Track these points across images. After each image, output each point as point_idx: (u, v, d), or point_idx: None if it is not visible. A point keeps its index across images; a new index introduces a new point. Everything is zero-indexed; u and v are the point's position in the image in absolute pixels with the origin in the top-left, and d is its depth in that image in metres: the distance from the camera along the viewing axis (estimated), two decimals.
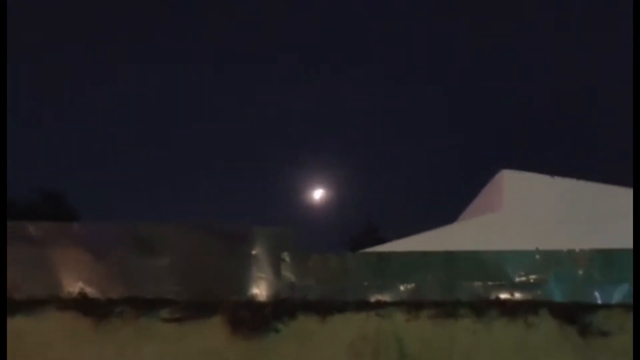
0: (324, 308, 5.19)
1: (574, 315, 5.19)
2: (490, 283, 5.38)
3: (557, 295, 5.35)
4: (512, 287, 5.38)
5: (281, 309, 5.19)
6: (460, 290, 5.34)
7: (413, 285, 5.37)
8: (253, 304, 5.24)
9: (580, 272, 5.41)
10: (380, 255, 6.18)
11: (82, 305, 5.12)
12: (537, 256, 5.46)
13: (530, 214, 9.50)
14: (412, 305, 5.23)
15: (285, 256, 5.40)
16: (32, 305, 5.06)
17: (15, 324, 4.99)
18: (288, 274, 5.36)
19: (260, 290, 5.32)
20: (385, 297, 5.32)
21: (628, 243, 5.61)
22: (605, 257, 5.44)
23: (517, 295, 5.36)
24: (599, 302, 5.33)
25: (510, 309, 5.23)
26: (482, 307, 5.24)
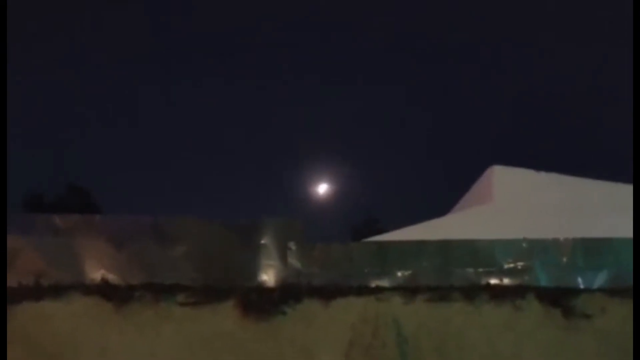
0: (328, 293, 5.17)
1: (558, 298, 5.18)
2: (481, 269, 5.36)
3: (543, 280, 5.33)
4: (501, 273, 5.36)
5: (288, 293, 5.17)
6: (453, 276, 5.33)
7: (410, 271, 5.36)
8: (262, 289, 5.23)
9: (564, 259, 5.39)
10: (380, 244, 6.18)
11: (104, 290, 5.10)
12: (524, 245, 5.45)
13: (518, 205, 9.53)
14: (409, 290, 5.21)
15: (292, 245, 5.39)
16: (58, 290, 5.05)
17: (42, 307, 4.99)
18: (294, 262, 5.35)
19: (268, 277, 5.31)
20: (384, 283, 5.30)
21: (609, 233, 5.61)
22: (587, 246, 5.43)
23: (506, 281, 5.34)
24: (581, 286, 5.31)
25: (499, 293, 5.21)
26: (474, 292, 5.22)
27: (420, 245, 5.51)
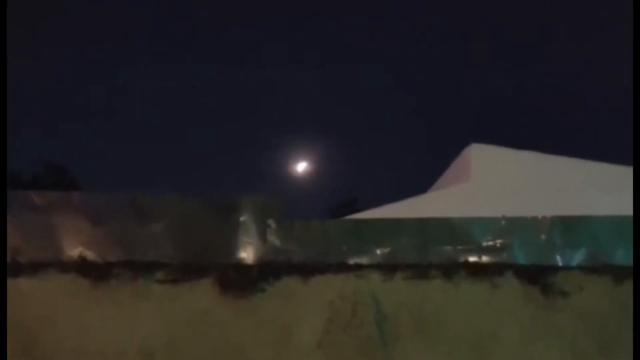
0: (306, 270, 5.18)
1: (537, 276, 5.20)
2: (459, 247, 5.36)
3: (521, 258, 5.34)
4: (480, 251, 5.37)
5: (267, 271, 5.17)
6: (432, 254, 5.33)
7: (388, 249, 5.35)
8: (241, 267, 5.22)
9: (543, 237, 5.40)
10: (358, 221, 6.18)
11: (81, 267, 5.09)
12: (503, 222, 5.45)
13: (497, 184, 9.55)
14: (388, 268, 5.22)
15: (271, 222, 5.37)
16: (35, 267, 5.03)
17: (19, 285, 4.98)
18: (273, 239, 5.33)
19: (247, 254, 5.29)
20: (363, 260, 5.30)
21: (587, 211, 5.63)
22: (565, 223, 5.44)
23: (484, 259, 5.35)
24: (560, 264, 5.33)
25: (477, 271, 5.23)
26: (452, 269, 5.23)
27: (398, 223, 5.51)
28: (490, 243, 5.39)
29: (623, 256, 5.24)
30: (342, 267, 5.22)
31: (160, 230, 5.28)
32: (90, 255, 5.18)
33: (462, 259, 5.33)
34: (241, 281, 5.11)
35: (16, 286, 4.96)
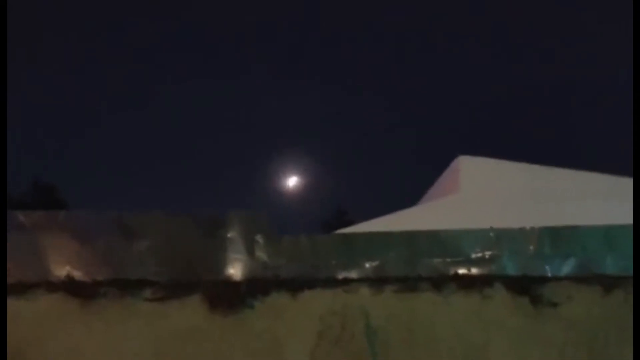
0: (295, 285, 5.18)
1: (526, 287, 5.22)
2: (448, 259, 5.37)
3: (510, 269, 5.36)
4: (469, 262, 5.38)
5: (255, 287, 5.17)
6: (421, 267, 5.33)
7: (377, 262, 5.35)
8: (229, 283, 5.22)
9: (531, 247, 5.41)
10: (346, 236, 6.18)
11: (70, 287, 5.07)
12: (491, 234, 5.46)
13: (485, 195, 9.58)
14: (377, 281, 5.22)
15: (259, 238, 5.37)
16: (22, 288, 5.02)
17: (7, 305, 4.94)
18: (261, 255, 5.33)
19: (235, 270, 5.29)
20: (352, 274, 5.30)
21: (576, 221, 5.64)
22: (553, 234, 5.45)
23: (474, 270, 5.36)
24: (549, 275, 5.34)
25: (467, 283, 5.24)
26: (442, 282, 5.24)
27: (387, 237, 5.51)
28: (479, 255, 5.40)
29: (612, 265, 5.27)
30: (331, 282, 5.22)
31: (146, 247, 5.27)
32: (77, 274, 5.16)
33: (451, 271, 5.34)
34: (229, 297, 5.10)
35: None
